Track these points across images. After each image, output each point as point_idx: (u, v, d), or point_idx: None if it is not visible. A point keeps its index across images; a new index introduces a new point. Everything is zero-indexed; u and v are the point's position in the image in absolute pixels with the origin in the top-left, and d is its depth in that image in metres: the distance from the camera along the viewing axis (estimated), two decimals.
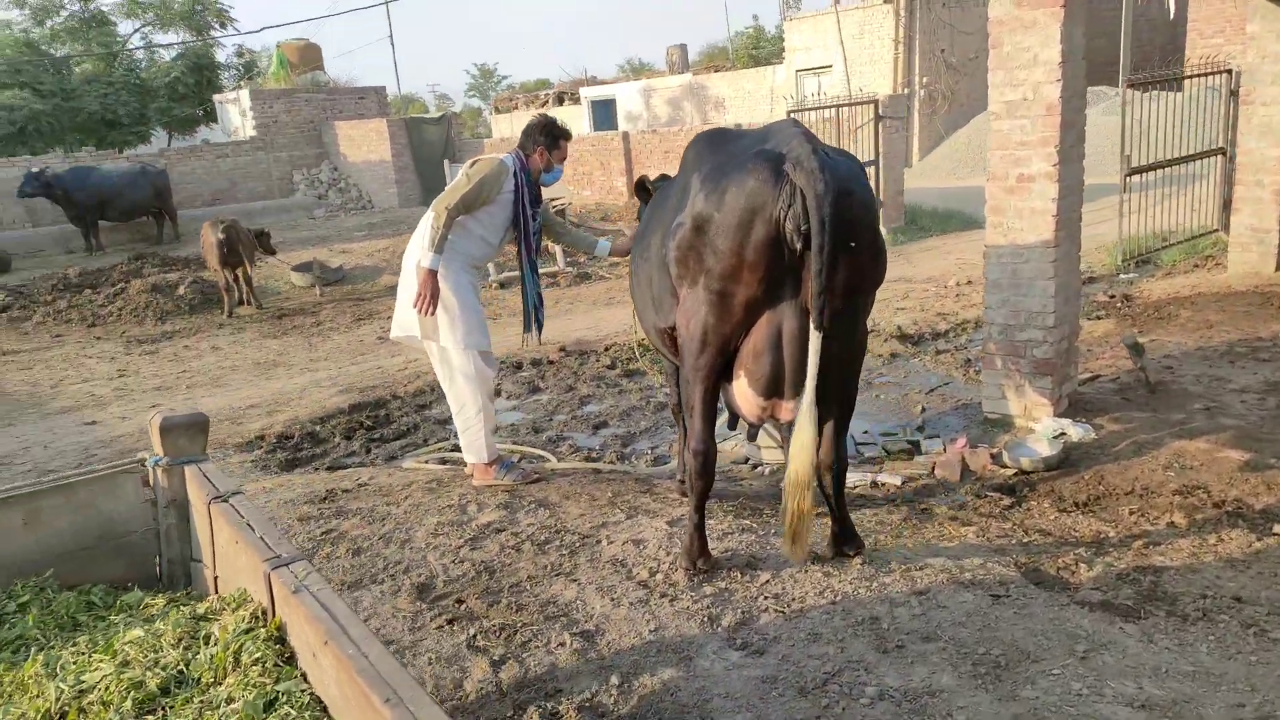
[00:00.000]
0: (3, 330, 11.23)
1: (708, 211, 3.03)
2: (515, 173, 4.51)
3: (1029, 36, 4.91)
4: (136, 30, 22.91)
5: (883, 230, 3.27)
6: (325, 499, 4.39)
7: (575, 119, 28.80)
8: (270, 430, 6.35)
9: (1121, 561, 3.57)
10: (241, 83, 22.60)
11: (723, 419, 4.34)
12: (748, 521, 3.88)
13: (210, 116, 22.33)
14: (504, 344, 8.56)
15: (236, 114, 20.66)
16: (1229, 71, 10.15)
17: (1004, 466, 4.89)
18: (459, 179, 4.46)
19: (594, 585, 3.31)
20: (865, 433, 5.81)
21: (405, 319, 4.43)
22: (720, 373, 3.21)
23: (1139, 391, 5.76)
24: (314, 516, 4.12)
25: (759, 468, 5.25)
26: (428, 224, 4.33)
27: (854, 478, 4.85)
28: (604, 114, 27.85)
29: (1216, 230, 10.48)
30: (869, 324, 3.72)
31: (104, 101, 20.43)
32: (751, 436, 3.65)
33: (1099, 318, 8.05)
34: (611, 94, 28.08)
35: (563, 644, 2.92)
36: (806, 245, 2.87)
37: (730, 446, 5.62)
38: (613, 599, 3.19)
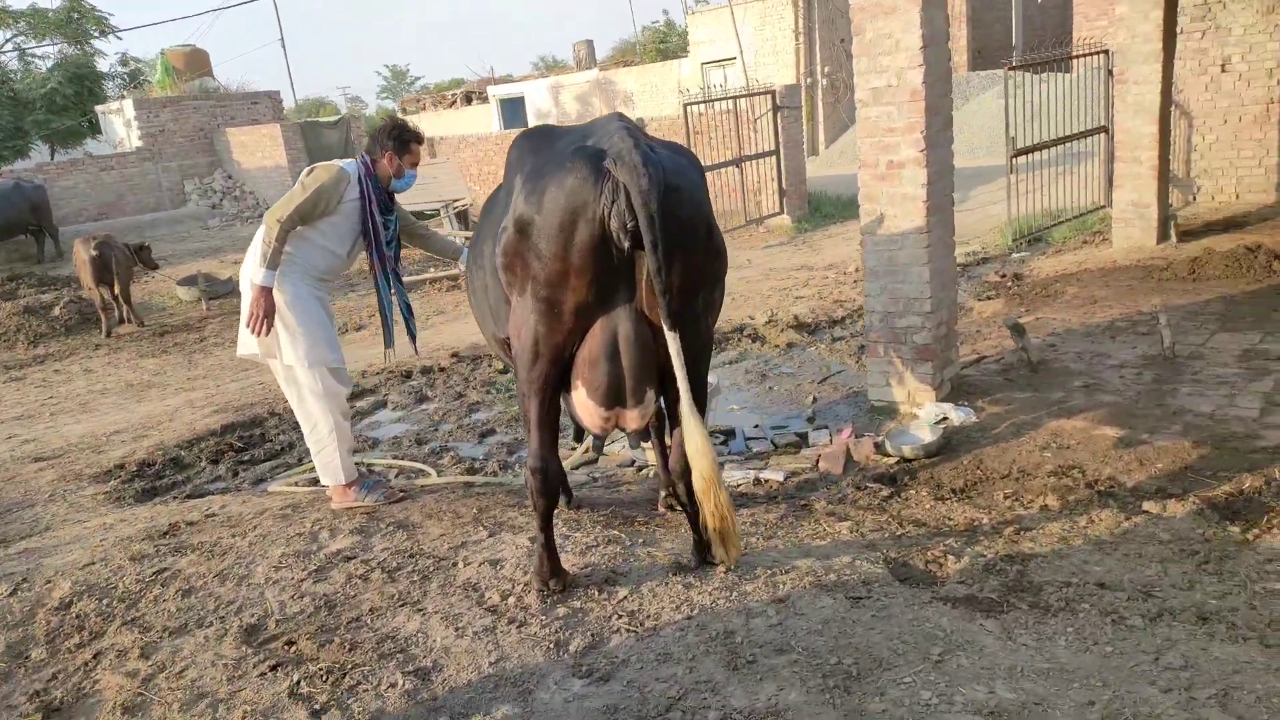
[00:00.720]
0: None
1: (529, 214, 2.84)
2: (359, 179, 4.24)
3: (890, 22, 4.83)
4: (8, 40, 21.66)
5: (718, 226, 3.05)
6: (166, 533, 4.07)
7: (484, 118, 28.31)
8: (131, 458, 5.95)
9: (991, 550, 3.50)
10: (125, 92, 21.55)
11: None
12: (616, 532, 3.70)
13: (94, 129, 21.25)
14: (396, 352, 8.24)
15: (121, 125, 19.69)
16: (1106, 52, 10.39)
17: (887, 455, 4.82)
18: (295, 189, 4.18)
19: (440, 614, 3.09)
20: (756, 426, 5.70)
21: (246, 337, 4.13)
22: (557, 384, 3.02)
23: (1021, 372, 5.78)
24: (149, 554, 3.80)
25: (644, 469, 5.08)
26: (259, 240, 4.04)
27: (737, 475, 4.72)
28: (513, 112, 27.45)
29: (1104, 206, 10.72)
30: (722, 318, 3.57)
31: None
32: (597, 448, 3.48)
33: (989, 298, 8.12)
34: (520, 92, 27.71)
35: (394, 685, 2.70)
36: (636, 244, 2.70)
37: (618, 449, 5.45)
38: (457, 629, 2.98)
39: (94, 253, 10.35)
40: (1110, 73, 10.27)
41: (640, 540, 3.63)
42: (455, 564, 3.49)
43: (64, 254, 15.72)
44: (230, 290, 12.56)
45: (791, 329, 7.75)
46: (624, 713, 2.47)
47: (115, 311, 11.12)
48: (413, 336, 4.61)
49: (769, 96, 12.68)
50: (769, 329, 7.81)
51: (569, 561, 3.38)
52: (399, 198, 4.47)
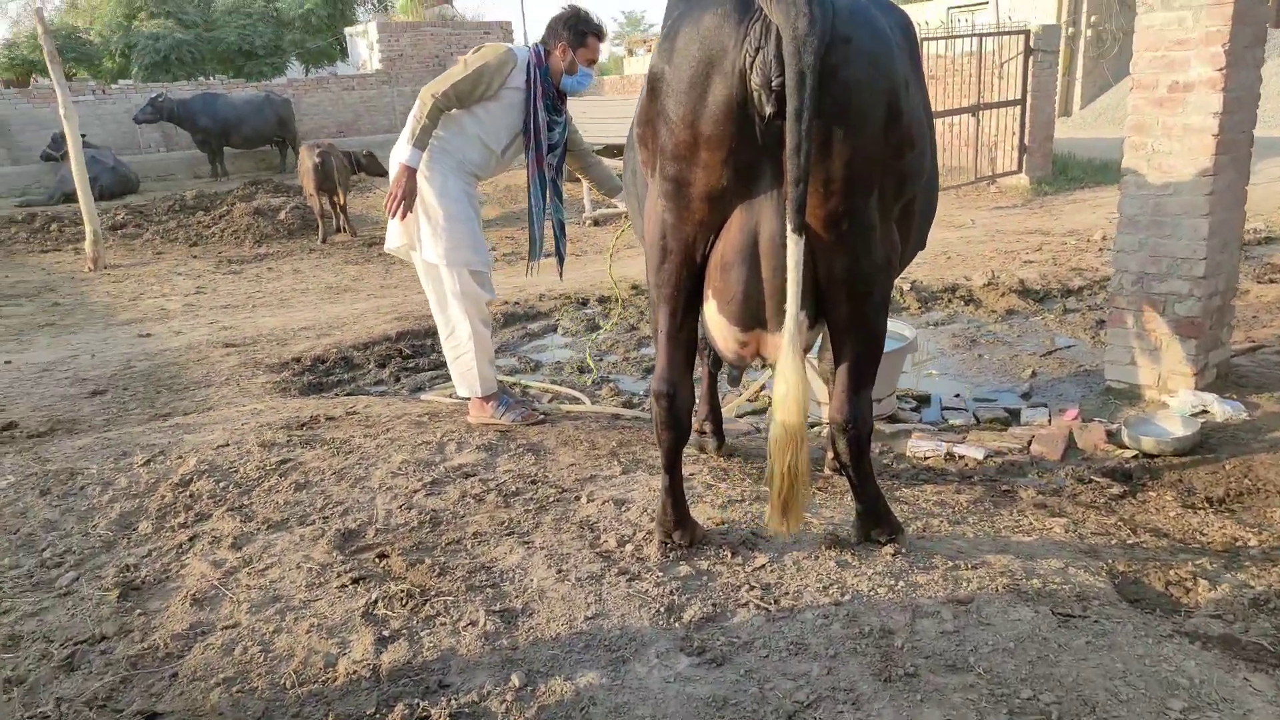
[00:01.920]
0: (115, 246, 11.47)
1: (659, 67, 2.26)
2: (529, 67, 3.80)
3: None
4: None
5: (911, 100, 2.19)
6: (305, 425, 3.91)
7: None
8: (309, 353, 5.98)
9: (1261, 581, 2.64)
10: (373, 16, 22.68)
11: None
12: (766, 488, 3.13)
13: (343, 51, 22.55)
14: (573, 280, 7.97)
15: (365, 47, 20.72)
16: None
17: (1122, 447, 3.92)
18: (456, 65, 3.81)
19: (546, 551, 2.66)
20: (956, 396, 4.90)
21: (394, 227, 3.85)
22: (688, 291, 2.44)
23: None
24: (279, 443, 3.64)
25: (816, 425, 4.44)
26: (411, 115, 3.71)
27: (926, 446, 4.00)
28: None
29: None
30: (926, 238, 2.84)
31: (241, 32, 20.89)
32: (732, 382, 2.85)
33: (1272, 281, 6.71)
34: None
35: (474, 623, 2.29)
36: (782, 112, 2.07)
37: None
38: (560, 571, 2.53)
39: (317, 160, 10.75)
40: None
41: None
42: (578, 497, 3.05)
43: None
44: None
45: (1014, 294, 6.74)
46: (733, 709, 1.94)
47: (333, 220, 11.59)
48: (560, 260, 4.16)
49: (1021, 37, 11.26)
50: (986, 292, 6.84)
51: (705, 515, 2.86)
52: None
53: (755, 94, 2.10)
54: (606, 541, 2.71)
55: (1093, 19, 18.56)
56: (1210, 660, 2.13)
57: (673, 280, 2.42)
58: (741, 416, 4.63)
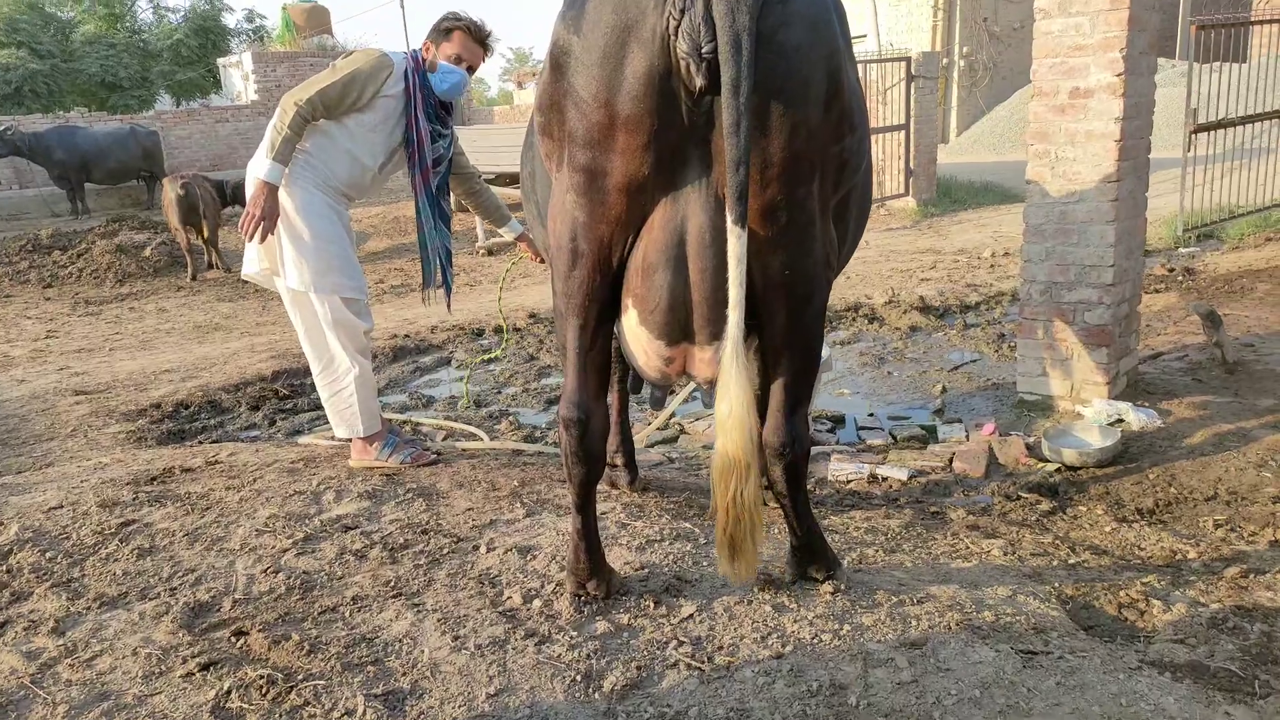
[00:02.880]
0: None
1: (564, 38, 1.96)
2: (407, 74, 3.45)
3: None
4: None
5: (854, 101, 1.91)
6: (156, 479, 3.41)
7: None
8: (170, 398, 5.40)
9: (1212, 598, 2.48)
10: (247, 46, 21.77)
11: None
12: (689, 525, 2.83)
13: (216, 82, 21.54)
14: (467, 311, 7.58)
15: (239, 78, 19.81)
16: None
17: (1043, 460, 3.80)
18: (324, 71, 3.44)
19: (440, 615, 2.28)
20: (870, 415, 4.73)
21: (251, 252, 3.43)
22: (602, 301, 2.12)
23: (1214, 372, 4.63)
24: (123, 502, 3.14)
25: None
26: (271, 126, 3.31)
27: (849, 469, 3.78)
28: None
29: None
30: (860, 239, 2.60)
31: (104, 64, 19.68)
32: (656, 403, 2.53)
33: (1157, 290, 6.86)
34: None
35: (350, 712, 1.90)
36: (715, 85, 1.80)
37: (703, 428, 4.58)
38: (457, 638, 2.16)
39: (180, 191, 10.05)
40: None
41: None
42: (476, 547, 2.68)
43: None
44: None
45: (916, 311, 6.70)
46: None
47: (204, 255, 10.86)
48: (447, 290, 3.77)
49: (903, 64, 11.50)
50: (889, 310, 6.78)
51: (621, 559, 2.53)
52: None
53: (682, 64, 1.81)
54: (510, 598, 2.35)
55: (964, 50, 19.36)
56: (1186, 694, 1.93)
57: (584, 288, 2.09)
58: (652, 446, 4.34)
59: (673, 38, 1.80)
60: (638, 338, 2.10)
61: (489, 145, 12.44)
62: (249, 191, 3.38)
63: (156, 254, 11.18)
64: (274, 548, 2.73)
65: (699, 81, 1.80)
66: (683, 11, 1.78)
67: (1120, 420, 4.01)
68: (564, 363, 2.21)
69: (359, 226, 12.88)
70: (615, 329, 2.21)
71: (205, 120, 18.41)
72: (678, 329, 2.04)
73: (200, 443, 4.64)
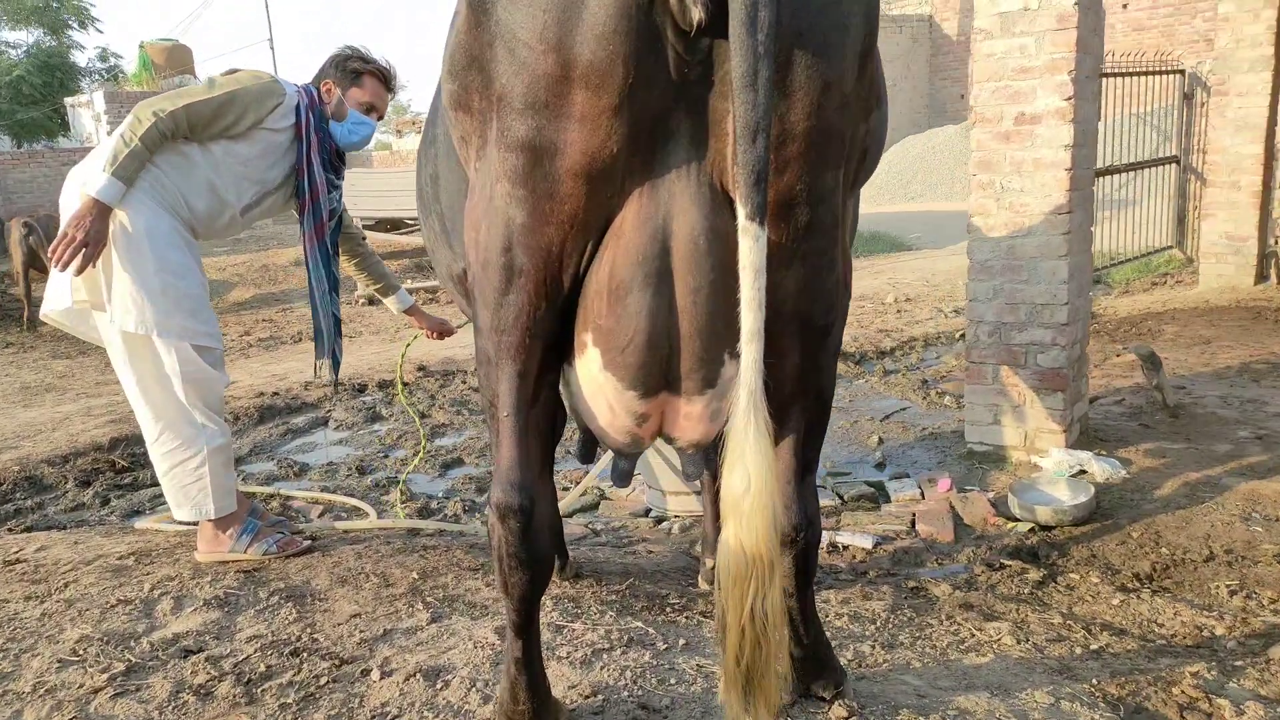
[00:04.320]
0: None
1: None
2: (300, 109, 2.86)
3: None
4: None
5: None
6: None
7: None
8: None
9: (1271, 688, 2.07)
10: (99, 85, 20.25)
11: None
12: (639, 624, 2.26)
13: (64, 124, 19.90)
14: (346, 366, 6.81)
15: (90, 118, 18.29)
16: (1181, 72, 9.22)
17: (1012, 519, 3.41)
18: (199, 84, 2.81)
19: None
20: None
21: (59, 283, 2.71)
22: (547, 336, 1.53)
23: (1157, 416, 4.40)
24: None
25: (664, 523, 3.64)
26: (117, 134, 2.63)
27: None
28: None
29: (1171, 247, 9.49)
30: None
31: None
32: (621, 476, 1.91)
33: None
34: None
35: None
36: (718, 21, 1.25)
37: (625, 493, 4.02)
38: None
39: (24, 231, 9.02)
40: (1186, 96, 9.11)
41: (680, 640, 2.18)
42: (366, 672, 2.03)
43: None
44: None
45: None
46: None
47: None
48: (335, 362, 3.14)
49: None
50: None
51: (564, 680, 1.93)
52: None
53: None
54: None
55: None
56: None
57: (524, 320, 1.49)
58: (570, 516, 3.74)
59: None
60: (600, 389, 1.52)
61: (372, 189, 11.75)
62: (66, 208, 2.67)
63: None
64: (82, 687, 1.99)
65: (697, 13, 1.24)
66: None
67: (1082, 471, 3.68)
68: (494, 428, 1.60)
69: (221, 275, 11.85)
70: (564, 380, 1.63)
71: (50, 163, 16.83)
72: (657, 374, 1.48)
73: (10, 531, 3.76)
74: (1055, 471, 3.67)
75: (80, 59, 21.71)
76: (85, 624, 2.28)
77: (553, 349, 1.55)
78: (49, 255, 2.53)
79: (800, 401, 1.61)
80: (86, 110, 18.59)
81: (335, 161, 3.04)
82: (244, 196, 2.86)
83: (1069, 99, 3.58)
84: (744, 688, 1.38)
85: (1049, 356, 3.82)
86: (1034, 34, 3.61)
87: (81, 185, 2.59)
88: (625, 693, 1.87)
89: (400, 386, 4.15)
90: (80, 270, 2.51)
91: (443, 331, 3.50)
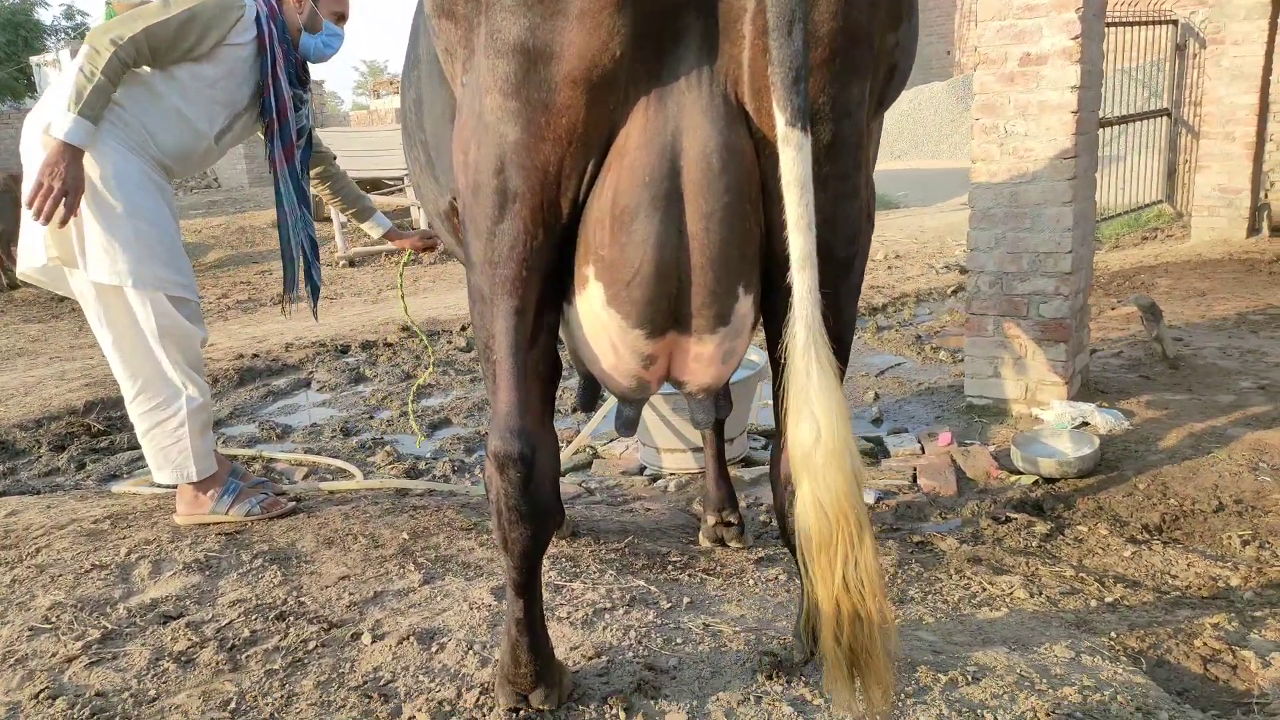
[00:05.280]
0: None
1: None
2: (261, 19, 2.70)
3: None
4: None
5: None
6: None
7: None
8: None
9: None
10: (66, 44, 19.68)
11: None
12: (641, 583, 2.17)
13: (30, 85, 19.36)
14: (329, 326, 6.66)
15: (56, 77, 17.84)
16: (1174, 22, 9.08)
17: (1015, 472, 3.34)
18: (152, 4, 2.62)
19: None
20: None
21: (33, 237, 2.56)
22: (545, 270, 1.40)
23: (1156, 368, 4.34)
24: None
25: (659, 481, 3.55)
26: (75, 69, 2.46)
27: None
28: None
29: (1160, 201, 9.42)
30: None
31: None
32: (626, 424, 1.77)
33: None
34: None
35: None
36: None
37: (619, 450, 3.92)
38: None
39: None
40: (1179, 48, 8.98)
41: (684, 599, 2.09)
42: (357, 636, 1.93)
43: None
44: None
45: None
46: None
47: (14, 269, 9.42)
48: (314, 291, 3.01)
49: None
50: None
51: (566, 640, 1.84)
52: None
53: None
54: (414, 718, 1.62)
55: None
56: None
57: (520, 250, 1.36)
58: (563, 475, 3.64)
59: None
60: (603, 328, 1.41)
61: (353, 148, 11.52)
62: (29, 155, 2.52)
63: None
64: (55, 656, 1.88)
65: None
66: None
67: (1085, 424, 3.61)
68: (489, 372, 1.47)
69: (198, 238, 11.60)
70: (562, 320, 1.51)
71: (15, 124, 16.37)
72: (665, 311, 1.36)
73: None
74: (1057, 424, 3.60)
75: (45, 17, 21.09)
76: (58, 590, 2.17)
77: (552, 284, 1.42)
78: (29, 203, 2.36)
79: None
80: (53, 70, 18.06)
81: (302, 74, 2.90)
82: (216, 122, 2.71)
83: (1075, 38, 3.45)
84: (849, 671, 1.25)
85: (1052, 307, 3.73)
86: None
87: (45, 130, 2.42)
88: (630, 653, 1.78)
89: (403, 302, 3.97)
90: (64, 221, 2.35)
91: (428, 245, 3.35)
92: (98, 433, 4.44)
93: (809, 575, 1.24)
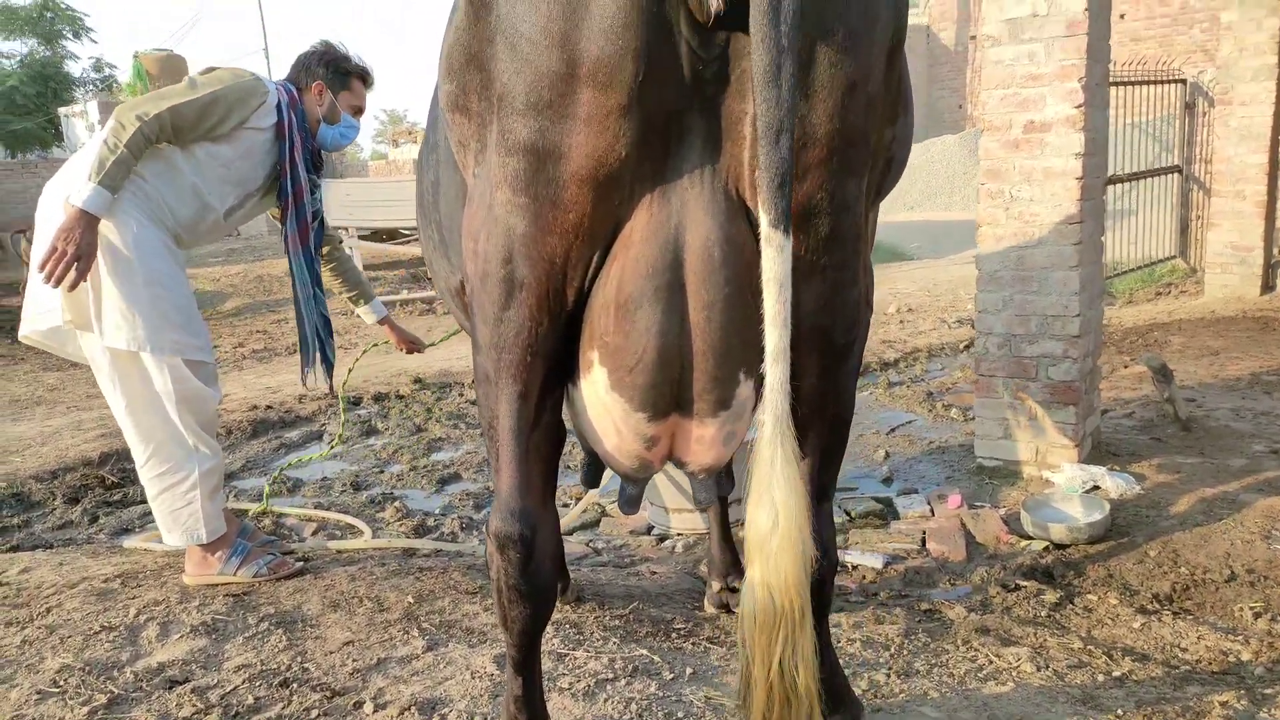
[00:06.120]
0: None
1: None
2: (281, 107, 2.80)
3: None
4: None
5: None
6: None
7: None
8: None
9: None
10: (93, 95, 20.20)
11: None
12: (644, 652, 2.16)
13: (58, 134, 19.82)
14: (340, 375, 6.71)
15: (84, 129, 18.22)
16: (1183, 81, 9.19)
17: (1025, 537, 3.32)
18: (179, 84, 2.72)
19: None
20: None
21: (42, 299, 2.62)
22: (551, 354, 1.44)
23: (1169, 429, 4.32)
24: None
25: (667, 541, 3.55)
26: (100, 141, 2.55)
27: None
28: None
29: (1174, 257, 9.43)
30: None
31: None
32: (629, 502, 1.80)
33: None
34: None
35: None
36: (736, 11, 1.17)
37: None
38: None
39: (29, 241, 8.94)
40: (1188, 105, 9.07)
41: (687, 669, 2.09)
42: (359, 705, 1.93)
43: (8, 258, 14.20)
44: None
45: None
46: None
47: None
48: (328, 365, 3.10)
49: None
50: None
51: (566, 712, 1.84)
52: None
53: None
54: None
55: None
56: None
57: (526, 336, 1.41)
58: (570, 534, 3.65)
59: None
60: (607, 410, 1.44)
61: (366, 199, 11.73)
62: (46, 222, 2.59)
63: None
64: (61, 718, 1.89)
65: (715, 2, 1.17)
66: None
67: (1096, 487, 3.59)
68: (493, 450, 1.51)
69: (215, 286, 11.77)
70: (567, 400, 1.54)
71: (43, 174, 16.73)
72: (667, 395, 1.39)
73: None
74: (1068, 487, 3.59)
75: (74, 69, 21.65)
76: (67, 653, 2.18)
77: (556, 368, 1.46)
78: (41, 268, 2.44)
79: (818, 424, 1.52)
80: (80, 120, 18.51)
81: (317, 161, 3.01)
82: (226, 199, 2.81)
83: (1079, 106, 3.51)
84: None
85: (1060, 369, 3.74)
86: (1043, 40, 3.54)
87: (65, 196, 2.50)
88: None
89: (342, 396, 4.08)
90: (74, 285, 2.42)
91: (413, 348, 3.47)
92: (111, 485, 4.48)
93: (745, 651, 1.28)
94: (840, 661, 2.23)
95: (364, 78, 3.04)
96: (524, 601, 1.48)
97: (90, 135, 17.98)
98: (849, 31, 1.25)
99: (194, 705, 1.94)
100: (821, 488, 1.60)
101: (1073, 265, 3.64)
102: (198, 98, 2.63)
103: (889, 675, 2.15)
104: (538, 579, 1.48)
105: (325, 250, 3.24)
